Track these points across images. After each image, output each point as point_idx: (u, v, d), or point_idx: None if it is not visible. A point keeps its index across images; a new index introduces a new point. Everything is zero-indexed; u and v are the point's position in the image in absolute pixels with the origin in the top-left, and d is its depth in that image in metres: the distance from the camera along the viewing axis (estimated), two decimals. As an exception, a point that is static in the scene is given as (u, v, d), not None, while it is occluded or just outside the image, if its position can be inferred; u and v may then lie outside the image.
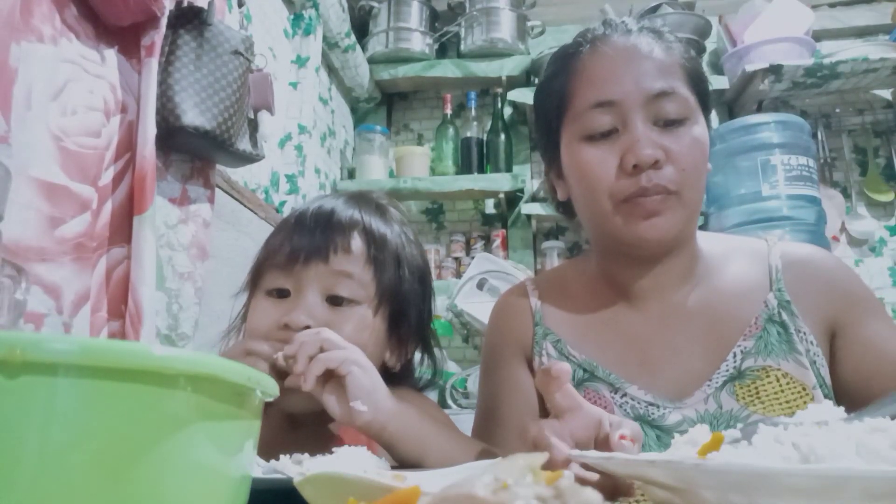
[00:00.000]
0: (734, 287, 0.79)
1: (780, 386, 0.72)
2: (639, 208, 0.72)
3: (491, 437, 0.79)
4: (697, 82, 0.76)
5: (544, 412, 0.81)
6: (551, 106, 0.79)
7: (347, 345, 0.64)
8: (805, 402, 0.71)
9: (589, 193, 0.75)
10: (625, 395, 0.76)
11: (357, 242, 0.73)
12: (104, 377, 0.27)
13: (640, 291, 0.79)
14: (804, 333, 0.74)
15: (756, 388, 0.73)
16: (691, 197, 0.73)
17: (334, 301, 0.72)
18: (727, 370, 0.74)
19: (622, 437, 0.51)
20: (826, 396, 0.72)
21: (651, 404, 0.75)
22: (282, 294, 0.73)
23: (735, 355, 0.74)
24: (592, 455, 0.42)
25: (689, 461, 0.34)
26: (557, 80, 0.79)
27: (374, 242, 0.74)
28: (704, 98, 0.77)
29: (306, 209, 0.76)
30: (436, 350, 0.84)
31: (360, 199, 0.79)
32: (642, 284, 0.79)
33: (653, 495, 0.40)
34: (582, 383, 0.78)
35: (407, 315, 0.77)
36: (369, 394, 0.62)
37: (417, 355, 0.84)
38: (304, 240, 0.72)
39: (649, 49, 0.74)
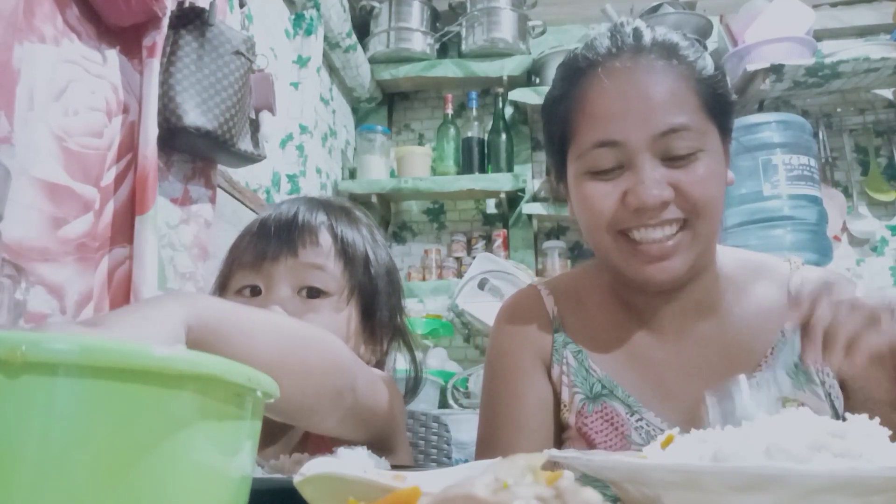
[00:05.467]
0: (753, 314, 0.77)
1: None
2: (642, 255, 0.69)
3: (505, 443, 0.77)
4: (714, 103, 0.71)
5: (559, 423, 0.80)
6: (556, 133, 0.76)
7: None
8: None
9: (590, 227, 0.74)
10: (641, 418, 0.75)
11: (325, 237, 0.75)
12: (105, 377, 0.27)
13: (656, 318, 0.77)
14: (821, 364, 0.71)
15: None
16: (705, 229, 0.70)
17: (306, 293, 0.73)
18: None
19: None
20: None
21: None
22: (254, 292, 0.74)
23: None
24: (571, 455, 0.43)
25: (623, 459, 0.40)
26: (561, 106, 0.75)
27: (342, 238, 0.76)
28: (724, 116, 0.73)
29: (270, 213, 0.78)
30: (416, 353, 0.84)
31: (325, 202, 0.81)
32: (657, 312, 0.77)
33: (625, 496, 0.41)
34: (600, 397, 0.77)
35: (378, 308, 0.78)
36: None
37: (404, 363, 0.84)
38: (271, 238, 0.74)
39: (659, 77, 0.69)
